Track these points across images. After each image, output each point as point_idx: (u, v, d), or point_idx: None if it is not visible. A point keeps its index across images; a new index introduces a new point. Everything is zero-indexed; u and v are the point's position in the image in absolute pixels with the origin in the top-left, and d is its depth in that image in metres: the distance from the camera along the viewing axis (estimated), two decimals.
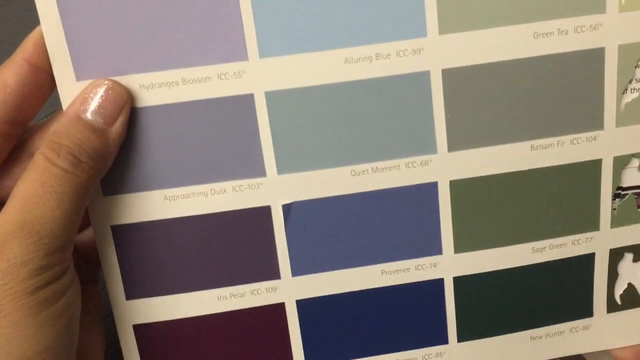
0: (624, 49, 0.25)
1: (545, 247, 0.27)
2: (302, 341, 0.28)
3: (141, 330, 0.27)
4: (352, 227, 0.26)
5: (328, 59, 0.24)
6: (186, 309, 0.27)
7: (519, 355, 0.29)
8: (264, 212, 0.26)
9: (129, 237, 0.26)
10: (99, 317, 0.27)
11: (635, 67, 0.26)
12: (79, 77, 0.24)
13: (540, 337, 0.29)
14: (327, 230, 0.26)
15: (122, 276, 0.26)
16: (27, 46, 0.24)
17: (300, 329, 0.27)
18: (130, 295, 0.26)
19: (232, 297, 0.27)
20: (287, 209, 0.26)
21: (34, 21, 0.24)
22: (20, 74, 0.24)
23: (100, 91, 0.23)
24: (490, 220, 0.27)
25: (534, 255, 0.28)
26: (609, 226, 0.28)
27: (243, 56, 0.24)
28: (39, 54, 0.24)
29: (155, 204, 0.25)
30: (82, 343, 0.25)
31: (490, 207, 0.27)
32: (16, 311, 0.21)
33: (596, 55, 0.25)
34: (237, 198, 0.26)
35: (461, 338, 0.28)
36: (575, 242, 0.28)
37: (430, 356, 0.29)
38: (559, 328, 0.29)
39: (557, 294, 0.28)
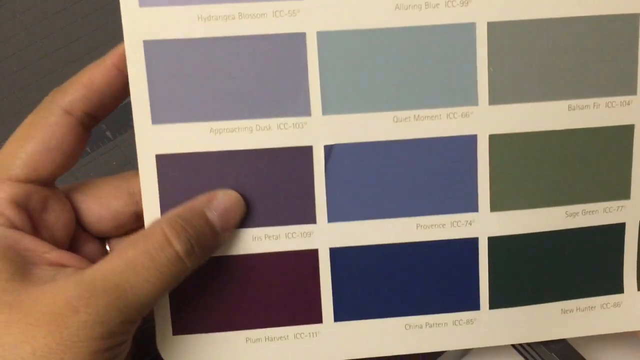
0: None
1: (578, 213, 0.28)
2: (333, 291, 0.27)
3: None
4: (390, 175, 0.27)
5: (380, 3, 0.25)
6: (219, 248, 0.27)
7: (550, 329, 0.29)
8: (306, 152, 0.26)
9: (175, 170, 0.26)
10: None
11: None
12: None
13: (572, 311, 0.29)
14: (366, 176, 0.27)
15: None
16: (118, 52, 0.25)
17: (332, 279, 0.27)
18: None
19: (267, 239, 0.27)
20: (328, 150, 0.26)
21: (34, 21, 0.25)
22: (108, 76, 0.25)
23: (229, 200, 0.25)
24: (526, 179, 0.27)
25: (567, 220, 0.28)
26: None
27: None
28: (125, 62, 0.25)
29: (202, 135, 0.26)
30: None
31: (527, 165, 0.27)
32: None
33: (632, 21, 0.26)
34: (281, 136, 0.26)
35: (493, 305, 0.28)
36: (607, 210, 0.28)
37: (461, 322, 0.28)
38: (590, 302, 0.29)
39: (589, 264, 0.28)
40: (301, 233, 0.27)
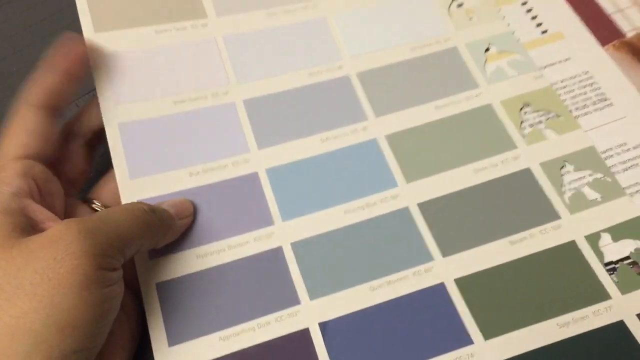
0: (545, 166, 0.34)
1: (569, 322, 0.30)
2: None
3: None
4: (380, 336, 0.30)
5: (334, 213, 0.33)
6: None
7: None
8: (304, 335, 0.30)
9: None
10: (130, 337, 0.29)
11: (561, 176, 0.34)
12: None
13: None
14: (361, 342, 0.30)
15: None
16: (69, 58, 0.32)
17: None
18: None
19: None
20: (323, 327, 0.30)
21: (34, 21, 0.30)
22: (60, 78, 0.32)
23: (178, 199, 0.33)
24: (503, 305, 0.30)
25: (562, 331, 0.29)
26: (620, 293, 0.30)
27: (268, 221, 0.33)
28: (75, 66, 0.33)
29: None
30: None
31: (500, 295, 0.30)
32: (74, 272, 0.24)
33: (527, 174, 0.34)
34: (280, 327, 0.30)
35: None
36: (596, 313, 0.30)
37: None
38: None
39: None
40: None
